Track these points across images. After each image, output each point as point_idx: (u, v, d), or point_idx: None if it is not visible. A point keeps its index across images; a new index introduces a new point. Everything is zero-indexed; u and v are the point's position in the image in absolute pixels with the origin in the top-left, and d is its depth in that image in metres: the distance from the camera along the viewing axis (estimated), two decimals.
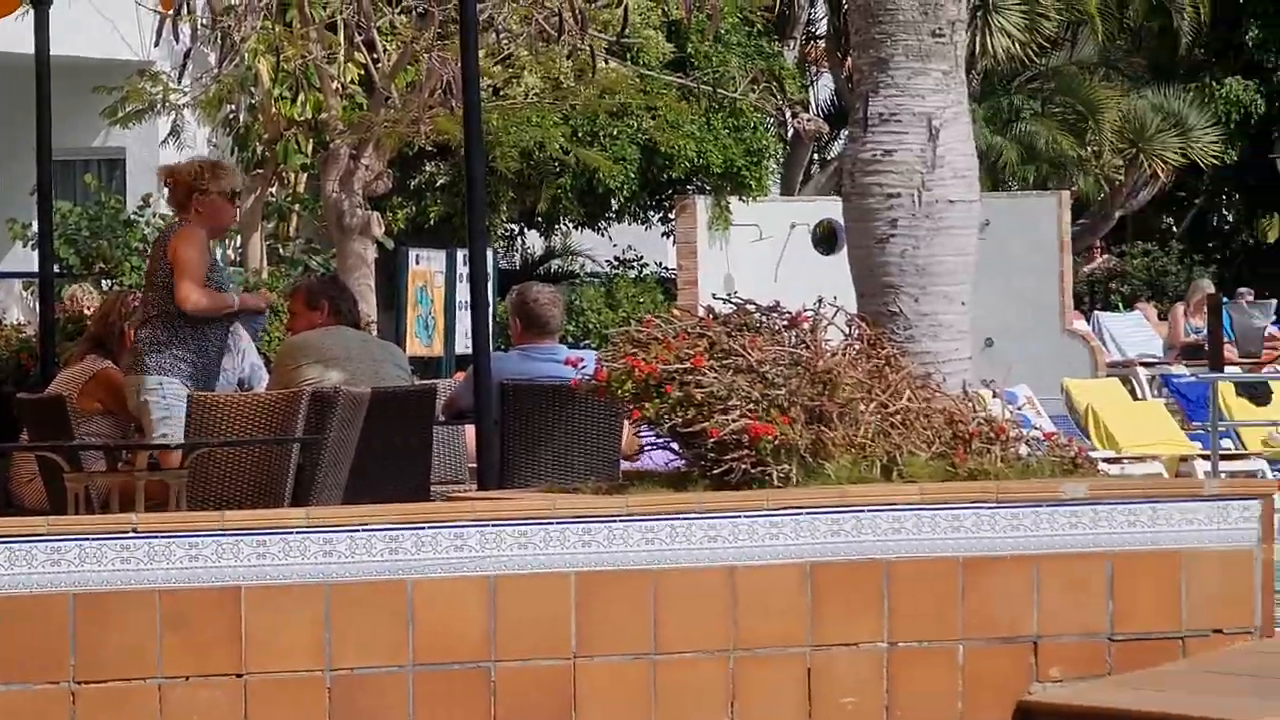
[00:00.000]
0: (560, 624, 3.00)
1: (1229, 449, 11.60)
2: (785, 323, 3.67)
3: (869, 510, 3.24)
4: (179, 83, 12.92)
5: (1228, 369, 14.90)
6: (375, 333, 9.86)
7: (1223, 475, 9.83)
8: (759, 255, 17.01)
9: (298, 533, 2.92)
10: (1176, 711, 3.03)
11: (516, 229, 19.06)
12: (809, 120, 17.01)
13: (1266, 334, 18.18)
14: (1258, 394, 12.40)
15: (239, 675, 2.79)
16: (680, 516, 3.14)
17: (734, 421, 3.26)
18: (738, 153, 17.07)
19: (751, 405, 3.30)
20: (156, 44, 9.93)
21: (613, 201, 17.58)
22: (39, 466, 5.10)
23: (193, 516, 3.63)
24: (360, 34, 10.57)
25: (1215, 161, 22.88)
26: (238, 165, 13.49)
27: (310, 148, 13.89)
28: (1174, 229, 27.28)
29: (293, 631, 2.85)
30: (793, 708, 3.15)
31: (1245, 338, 17.51)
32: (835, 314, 3.79)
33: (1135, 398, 14.64)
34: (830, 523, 3.20)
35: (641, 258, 19.36)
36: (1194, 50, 24.14)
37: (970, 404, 3.78)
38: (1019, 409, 8.03)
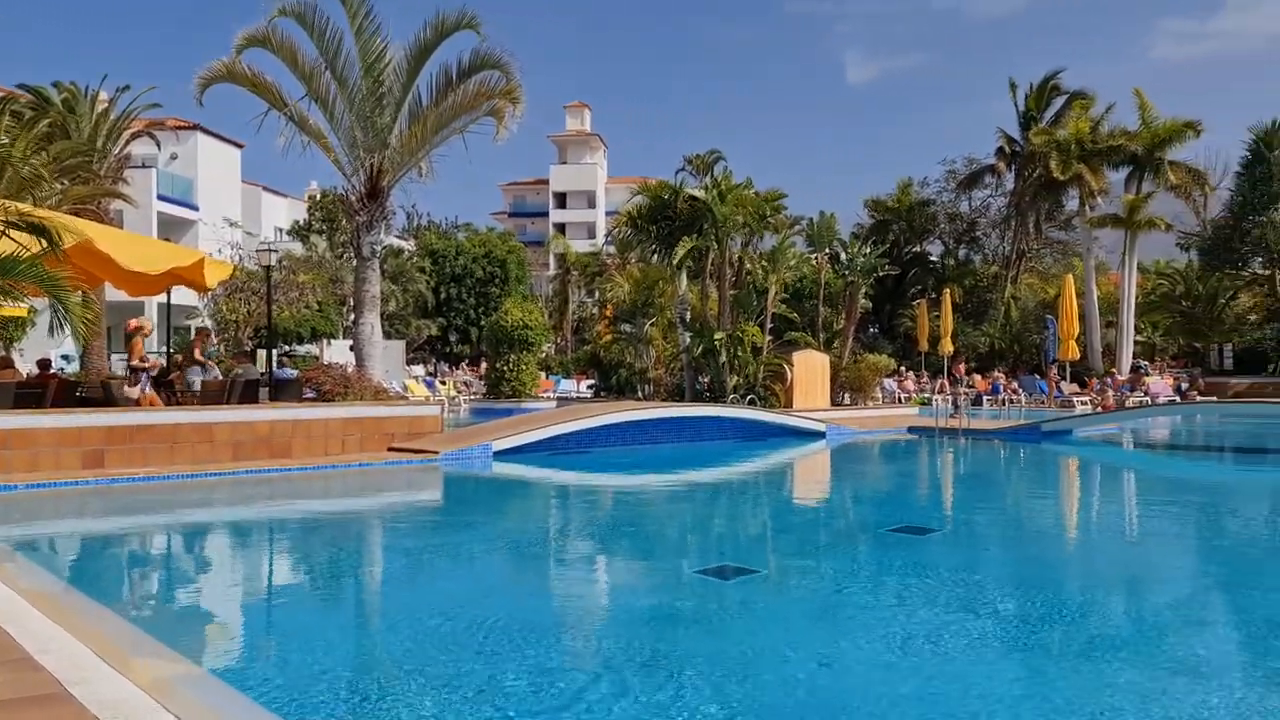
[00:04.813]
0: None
1: None
2: (340, 368, 17.96)
3: (348, 408, 17.31)
4: None
5: None
6: None
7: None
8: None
9: None
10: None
11: None
12: None
13: None
14: None
15: None
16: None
17: (327, 387, 17.30)
18: None
19: (334, 384, 17.37)
20: None
21: None
22: None
23: None
24: None
25: None
26: None
27: None
28: None
29: None
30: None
31: None
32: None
33: None
34: (345, 410, 17.15)
35: None
36: None
37: (379, 385, 18.22)
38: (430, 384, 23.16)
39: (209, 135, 49.83)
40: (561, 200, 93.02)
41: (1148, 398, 33.69)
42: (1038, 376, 38.07)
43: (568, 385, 40.52)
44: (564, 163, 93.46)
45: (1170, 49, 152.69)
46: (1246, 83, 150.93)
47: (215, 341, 33.69)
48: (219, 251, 32.67)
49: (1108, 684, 5.32)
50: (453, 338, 57.38)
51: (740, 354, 26.15)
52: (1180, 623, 6.90)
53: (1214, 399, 34.17)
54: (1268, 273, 43.71)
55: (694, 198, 26.07)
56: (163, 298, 22.22)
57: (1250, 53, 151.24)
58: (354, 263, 21.31)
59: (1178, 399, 34.38)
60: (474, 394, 37.53)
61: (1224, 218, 46.57)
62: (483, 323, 51.34)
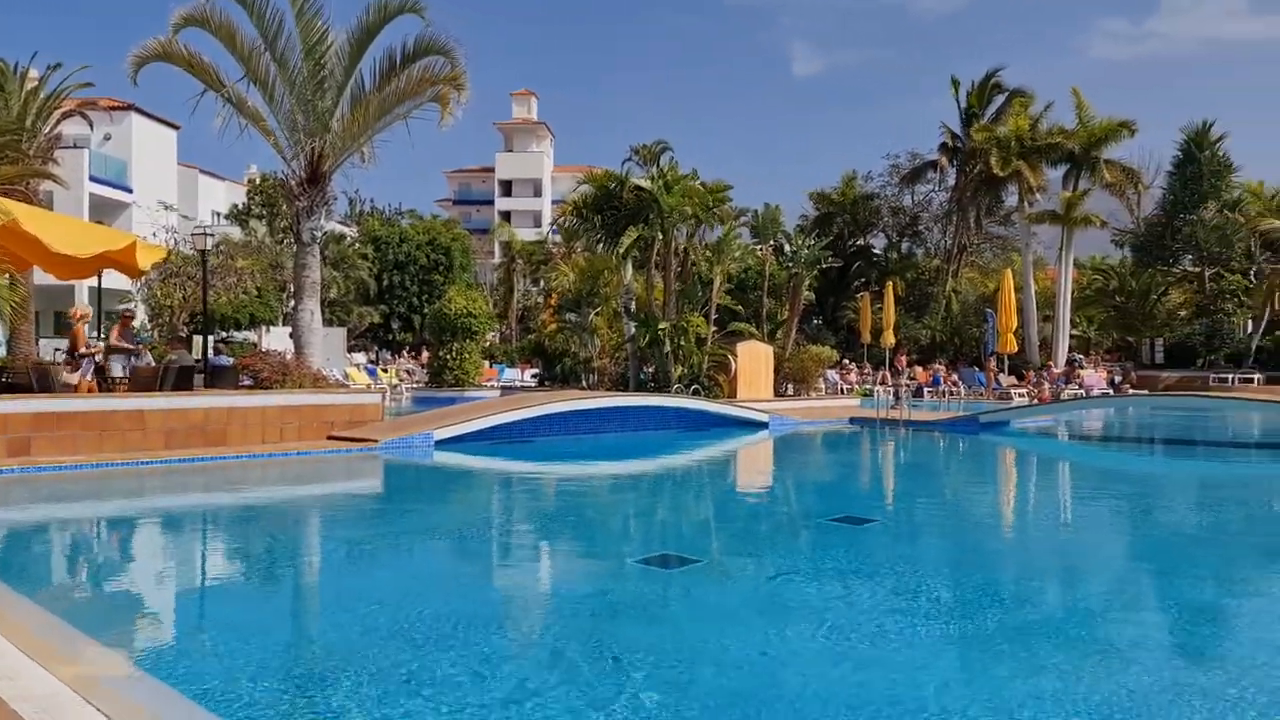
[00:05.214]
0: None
1: None
2: (278, 355, 17.67)
3: (286, 395, 17.04)
4: None
5: None
6: None
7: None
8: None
9: None
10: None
11: None
12: None
13: None
14: None
15: None
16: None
17: (264, 374, 17.01)
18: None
19: (271, 371, 17.07)
20: None
21: None
22: None
23: None
24: None
25: None
26: None
27: None
28: None
29: None
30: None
31: None
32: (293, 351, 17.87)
33: None
34: (282, 397, 16.86)
35: None
36: None
37: (318, 373, 17.95)
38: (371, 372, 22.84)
39: (144, 116, 48.69)
40: (507, 188, 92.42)
41: (1082, 390, 34.39)
42: (977, 369, 38.66)
43: (512, 374, 40.34)
44: (510, 150, 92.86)
45: (1109, 49, 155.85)
46: (1179, 84, 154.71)
47: (150, 326, 32.98)
48: (154, 235, 31.91)
49: (1037, 665, 5.41)
50: (395, 325, 56.79)
51: (685, 344, 26.20)
52: (1106, 606, 7.05)
53: (1145, 392, 34.96)
54: (1197, 270, 44.82)
55: (640, 188, 26.02)
56: (94, 281, 21.66)
57: (1183, 55, 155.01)
58: (294, 248, 20.97)
59: (1111, 392, 35.12)
60: (416, 382, 37.19)
61: (1156, 216, 47.67)
62: (426, 310, 50.81)
